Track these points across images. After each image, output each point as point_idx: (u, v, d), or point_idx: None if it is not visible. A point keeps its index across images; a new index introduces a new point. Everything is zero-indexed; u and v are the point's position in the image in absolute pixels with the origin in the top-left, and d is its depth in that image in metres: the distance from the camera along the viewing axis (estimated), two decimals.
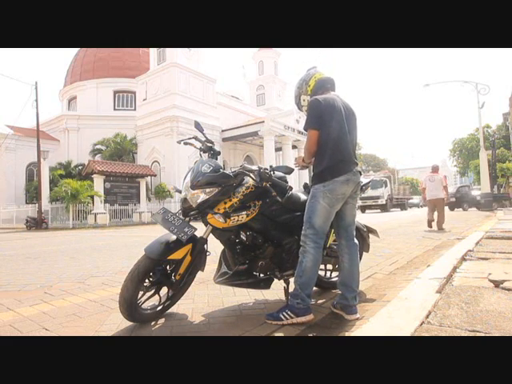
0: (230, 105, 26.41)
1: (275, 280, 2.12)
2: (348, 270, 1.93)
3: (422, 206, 31.25)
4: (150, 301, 1.96)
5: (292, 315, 1.80)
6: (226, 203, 1.87)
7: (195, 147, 2.19)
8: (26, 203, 21.49)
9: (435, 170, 7.98)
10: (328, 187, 1.83)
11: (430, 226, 7.42)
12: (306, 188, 2.25)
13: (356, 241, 1.99)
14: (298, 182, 23.77)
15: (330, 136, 1.84)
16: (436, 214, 7.45)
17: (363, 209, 22.98)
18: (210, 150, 2.11)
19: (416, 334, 1.40)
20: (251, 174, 1.89)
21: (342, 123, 1.87)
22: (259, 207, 1.96)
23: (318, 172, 1.89)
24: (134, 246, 6.33)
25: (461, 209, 17.95)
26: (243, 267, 2.00)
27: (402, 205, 26.12)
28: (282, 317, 1.81)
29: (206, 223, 1.92)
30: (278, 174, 2.07)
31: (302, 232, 1.88)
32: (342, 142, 1.86)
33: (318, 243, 1.83)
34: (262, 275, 2.08)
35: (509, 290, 2.06)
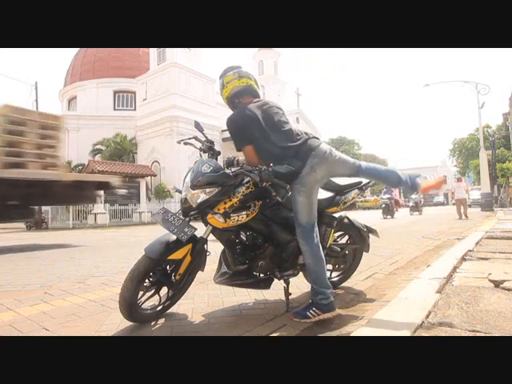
0: None
1: (275, 280, 2.12)
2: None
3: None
4: (150, 301, 1.96)
5: (318, 312, 1.82)
6: (225, 203, 1.87)
7: (195, 147, 2.19)
8: None
9: (459, 180, 12.92)
10: (299, 182, 1.86)
11: (460, 217, 11.30)
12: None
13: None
14: None
15: (262, 149, 1.88)
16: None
17: None
18: (210, 150, 2.11)
19: (416, 334, 1.40)
20: (251, 174, 1.89)
21: (263, 132, 1.87)
22: (259, 207, 1.96)
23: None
24: (133, 246, 6.32)
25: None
26: (243, 267, 2.00)
27: None
28: (310, 314, 1.83)
29: (206, 223, 1.92)
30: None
31: (296, 233, 1.91)
32: (272, 148, 1.87)
33: (308, 237, 1.87)
34: (261, 275, 2.08)
35: (509, 290, 2.06)
